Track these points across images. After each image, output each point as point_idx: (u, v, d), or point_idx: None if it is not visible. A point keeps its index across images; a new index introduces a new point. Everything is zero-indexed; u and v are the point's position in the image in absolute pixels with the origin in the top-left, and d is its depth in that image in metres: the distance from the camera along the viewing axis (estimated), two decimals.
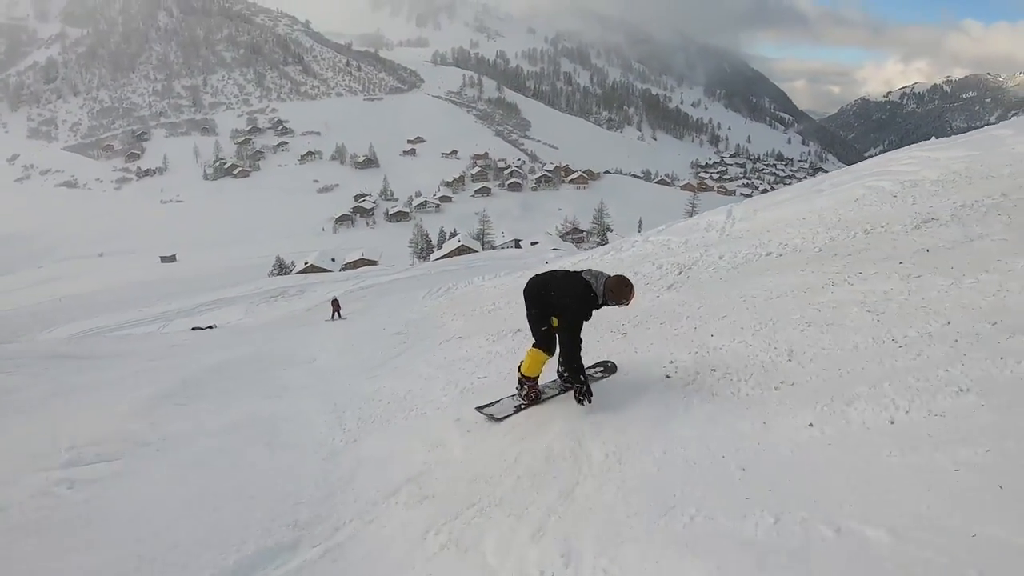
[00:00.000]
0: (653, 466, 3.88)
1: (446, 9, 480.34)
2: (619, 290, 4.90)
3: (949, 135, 17.69)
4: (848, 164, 24.85)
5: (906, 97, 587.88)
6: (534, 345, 5.22)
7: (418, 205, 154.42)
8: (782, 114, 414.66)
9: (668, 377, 5.34)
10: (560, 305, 4.97)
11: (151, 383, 7.52)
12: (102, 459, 5.05)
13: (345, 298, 30.34)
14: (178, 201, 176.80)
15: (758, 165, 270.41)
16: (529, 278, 5.33)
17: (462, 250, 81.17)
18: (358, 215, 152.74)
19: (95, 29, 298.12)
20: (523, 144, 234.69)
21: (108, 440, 5.43)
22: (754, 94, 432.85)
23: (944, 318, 4.90)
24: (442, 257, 78.52)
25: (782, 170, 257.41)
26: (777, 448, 3.74)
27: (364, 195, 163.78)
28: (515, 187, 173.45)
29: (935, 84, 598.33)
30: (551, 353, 5.18)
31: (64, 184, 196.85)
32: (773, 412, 4.18)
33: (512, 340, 8.18)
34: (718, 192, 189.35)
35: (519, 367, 5.40)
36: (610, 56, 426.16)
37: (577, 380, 5.00)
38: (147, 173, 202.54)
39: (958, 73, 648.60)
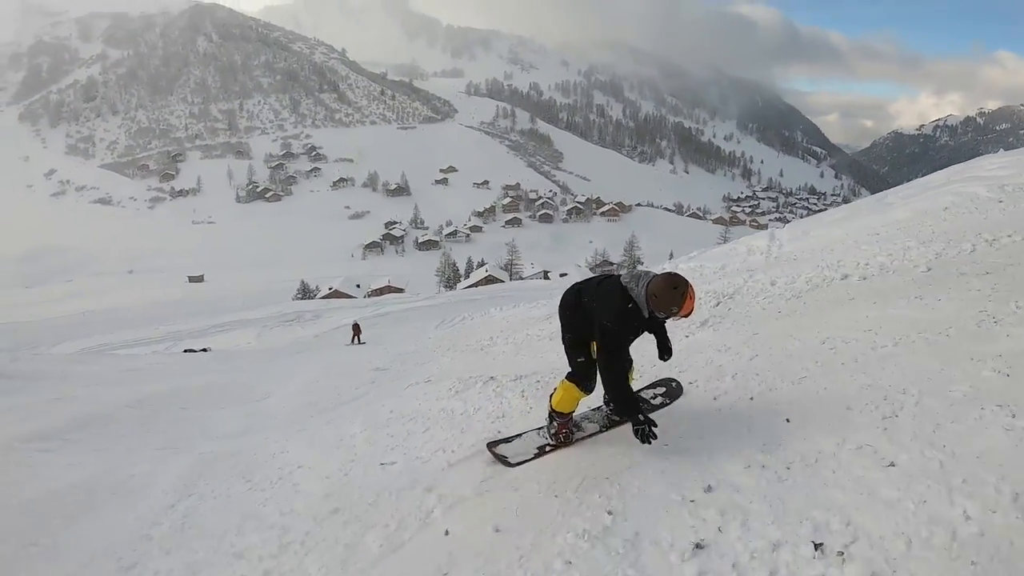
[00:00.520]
0: None
1: (481, 41, 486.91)
2: (665, 295, 3.58)
3: None
4: None
5: (939, 130, 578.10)
6: (569, 376, 4.08)
7: (448, 234, 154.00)
8: (815, 148, 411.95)
9: (699, 547, 2.89)
10: (596, 323, 3.78)
11: (44, 416, 6.87)
12: None
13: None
14: (210, 222, 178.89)
15: (790, 199, 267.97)
16: (564, 291, 4.16)
17: (489, 280, 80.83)
18: (388, 242, 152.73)
19: (136, 51, 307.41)
20: (555, 175, 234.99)
21: None
22: (787, 128, 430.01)
23: None
24: (469, 287, 77.69)
25: (814, 204, 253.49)
26: None
27: (395, 223, 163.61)
28: (546, 218, 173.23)
29: (968, 116, 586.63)
30: (589, 391, 4.05)
31: (99, 201, 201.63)
32: None
33: (478, 393, 6.14)
34: (750, 226, 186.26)
35: (550, 396, 4.27)
36: (643, 89, 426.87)
37: (632, 417, 3.74)
38: (180, 193, 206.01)
39: (991, 105, 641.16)
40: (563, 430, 4.25)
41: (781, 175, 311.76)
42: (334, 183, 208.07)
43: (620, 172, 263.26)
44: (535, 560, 3.02)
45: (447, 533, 3.48)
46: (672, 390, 4.63)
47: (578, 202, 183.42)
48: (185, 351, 25.44)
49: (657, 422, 3.74)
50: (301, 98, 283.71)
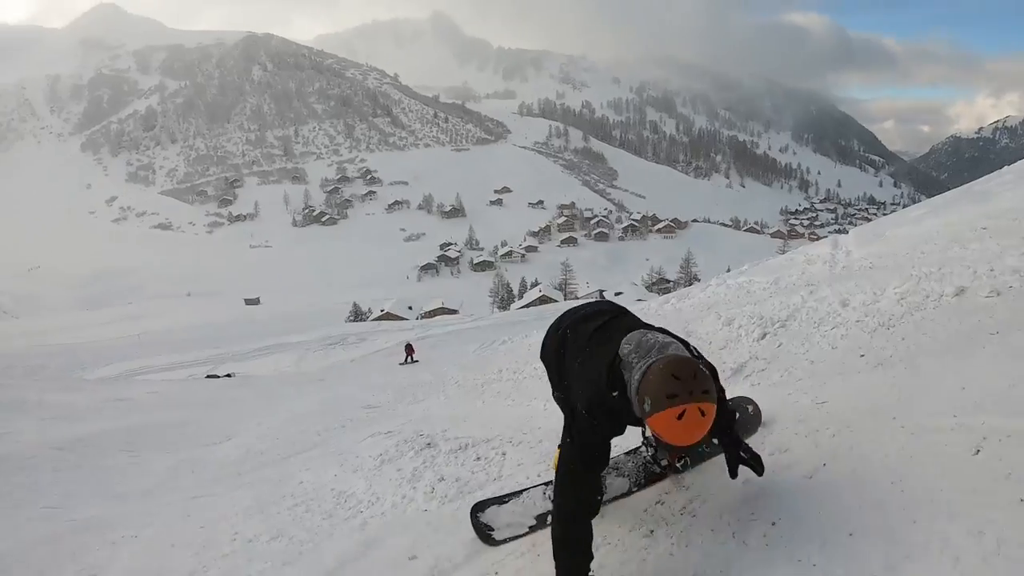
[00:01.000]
0: None
1: (532, 63, 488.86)
2: (657, 398, 2.12)
3: None
4: None
5: (998, 132, 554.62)
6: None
7: (503, 255, 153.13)
8: (872, 156, 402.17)
9: None
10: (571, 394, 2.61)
11: None
12: None
13: (397, 349, 27.84)
14: (267, 246, 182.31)
15: (849, 210, 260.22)
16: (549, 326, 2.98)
17: (543, 300, 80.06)
18: (443, 264, 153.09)
19: (193, 82, 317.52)
20: (610, 193, 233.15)
21: None
22: (843, 137, 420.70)
23: None
24: (523, 307, 76.93)
25: (874, 214, 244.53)
26: None
27: (450, 244, 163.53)
28: (601, 237, 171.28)
29: None
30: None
31: (159, 226, 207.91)
32: None
33: (397, 470, 4.67)
34: (809, 239, 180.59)
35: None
36: (696, 103, 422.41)
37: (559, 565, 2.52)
38: (238, 218, 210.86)
39: None
40: None
41: (839, 185, 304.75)
42: (389, 206, 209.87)
43: (675, 188, 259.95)
44: None
45: None
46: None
47: (633, 220, 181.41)
48: (207, 376, 25.38)
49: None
50: (355, 123, 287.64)
